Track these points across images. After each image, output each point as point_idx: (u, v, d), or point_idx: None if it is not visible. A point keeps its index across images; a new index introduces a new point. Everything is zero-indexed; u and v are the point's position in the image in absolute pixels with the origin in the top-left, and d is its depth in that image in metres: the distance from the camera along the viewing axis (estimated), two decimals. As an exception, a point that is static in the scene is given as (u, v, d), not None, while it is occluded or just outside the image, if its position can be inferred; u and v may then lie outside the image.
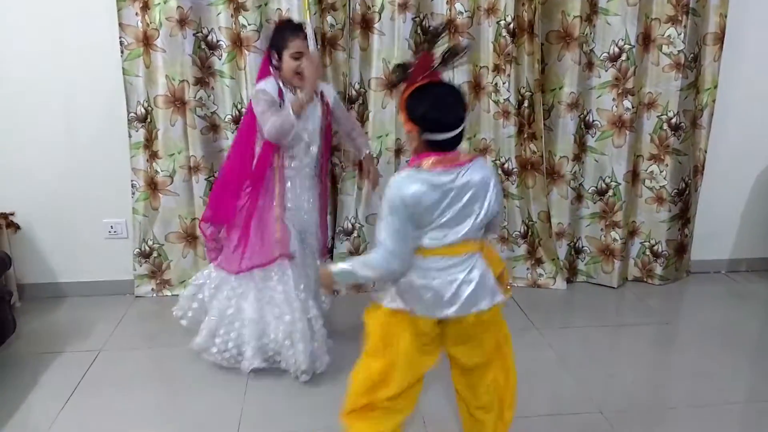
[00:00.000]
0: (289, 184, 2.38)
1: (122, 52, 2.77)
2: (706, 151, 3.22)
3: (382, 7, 2.85)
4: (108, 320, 2.84)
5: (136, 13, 2.74)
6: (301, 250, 2.42)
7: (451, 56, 1.61)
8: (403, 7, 2.85)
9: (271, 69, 2.33)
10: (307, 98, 2.24)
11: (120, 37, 2.75)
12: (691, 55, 3.01)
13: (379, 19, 2.86)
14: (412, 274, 1.57)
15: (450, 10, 2.93)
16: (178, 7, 2.70)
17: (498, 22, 2.93)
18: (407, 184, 1.49)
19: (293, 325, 2.27)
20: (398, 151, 3.06)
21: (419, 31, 2.93)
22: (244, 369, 2.31)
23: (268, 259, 2.29)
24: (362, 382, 1.64)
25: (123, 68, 2.79)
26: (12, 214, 2.95)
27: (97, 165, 2.96)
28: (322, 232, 2.59)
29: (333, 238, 3.15)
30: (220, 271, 2.41)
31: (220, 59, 2.85)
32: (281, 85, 2.31)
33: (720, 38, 3.03)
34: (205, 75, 2.85)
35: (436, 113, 1.50)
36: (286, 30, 2.29)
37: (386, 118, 3.00)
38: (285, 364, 2.32)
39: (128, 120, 2.85)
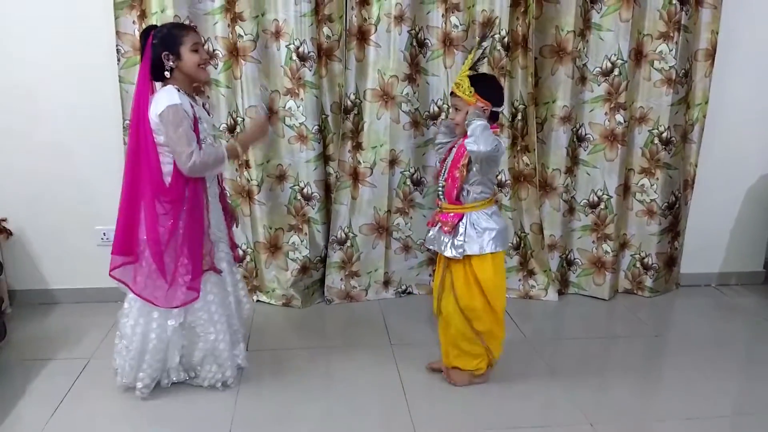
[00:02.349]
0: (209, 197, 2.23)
1: (119, 60, 2.78)
2: (696, 166, 3.26)
3: (378, 20, 2.87)
4: (99, 328, 2.83)
5: (133, 22, 2.75)
6: (228, 266, 2.35)
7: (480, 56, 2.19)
8: (399, 19, 2.88)
9: (167, 74, 2.10)
10: (244, 149, 2.24)
11: (117, 45, 2.76)
12: (683, 71, 3.05)
13: (375, 31, 2.89)
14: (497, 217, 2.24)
15: (445, 24, 2.96)
16: (175, 16, 2.71)
17: (493, 36, 2.96)
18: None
19: (216, 342, 2.25)
20: (392, 162, 3.07)
21: (414, 44, 2.96)
22: (164, 385, 2.30)
23: (198, 277, 2.15)
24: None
25: (119, 76, 2.79)
26: (4, 220, 2.94)
27: (91, 172, 2.96)
28: (231, 244, 2.42)
29: (326, 248, 3.16)
30: (144, 303, 2.17)
31: (216, 68, 2.86)
32: (179, 91, 2.08)
33: (711, 54, 3.07)
34: (202, 85, 2.86)
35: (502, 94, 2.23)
36: (175, 29, 2.14)
37: (381, 128, 3.02)
38: (202, 380, 2.31)
39: (124, 128, 2.86)
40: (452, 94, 2.18)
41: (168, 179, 2.09)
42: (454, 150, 2.22)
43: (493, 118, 2.12)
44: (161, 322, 2.19)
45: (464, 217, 2.20)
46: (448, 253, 2.21)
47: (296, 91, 2.91)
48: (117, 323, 2.30)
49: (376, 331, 2.88)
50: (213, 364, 2.29)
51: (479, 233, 2.18)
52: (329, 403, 2.29)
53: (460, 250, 2.19)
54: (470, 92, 2.07)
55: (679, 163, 3.21)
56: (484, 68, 2.77)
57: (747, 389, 2.49)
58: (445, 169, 2.23)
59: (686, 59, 3.05)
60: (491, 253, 2.20)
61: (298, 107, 2.93)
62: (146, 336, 2.20)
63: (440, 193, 2.26)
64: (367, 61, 2.94)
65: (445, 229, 2.22)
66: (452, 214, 2.22)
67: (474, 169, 2.15)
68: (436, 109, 3.07)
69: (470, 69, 2.13)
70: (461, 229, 2.19)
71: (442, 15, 2.95)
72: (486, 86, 2.11)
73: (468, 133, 2.05)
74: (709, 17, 3.02)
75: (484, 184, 2.19)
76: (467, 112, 2.11)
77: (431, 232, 2.33)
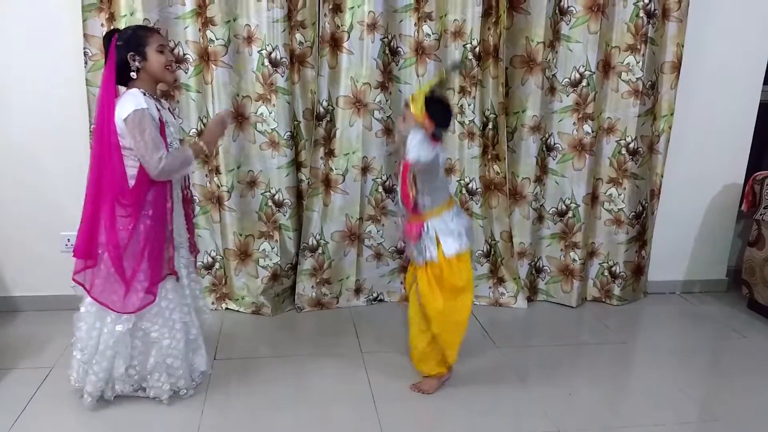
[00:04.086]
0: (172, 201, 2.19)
1: (86, 63, 2.73)
2: (662, 176, 3.33)
3: (351, 27, 2.88)
4: (62, 336, 2.74)
5: (102, 24, 2.71)
6: (186, 270, 2.31)
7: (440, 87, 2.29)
8: (372, 27, 2.88)
9: (132, 74, 2.07)
10: (212, 148, 2.25)
11: (84, 48, 2.71)
12: (649, 83, 3.12)
13: (348, 38, 2.89)
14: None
15: (418, 33, 2.98)
16: (145, 19, 2.67)
17: (464, 46, 2.99)
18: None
19: (170, 349, 2.21)
20: (365, 169, 3.07)
21: (387, 52, 2.97)
22: (108, 398, 2.22)
23: (156, 283, 2.13)
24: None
25: (86, 79, 2.74)
26: (-36, 225, 2.86)
27: (55, 177, 2.89)
28: (192, 248, 2.39)
29: (297, 255, 3.14)
30: (101, 307, 2.13)
31: (186, 73, 2.83)
32: (144, 94, 2.05)
33: (677, 67, 3.15)
34: (170, 88, 2.82)
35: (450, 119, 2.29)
36: (139, 30, 2.12)
37: (353, 135, 3.01)
38: (148, 390, 2.25)
39: (90, 132, 2.80)
40: (406, 104, 2.24)
41: (132, 182, 2.06)
42: (403, 160, 2.26)
43: (435, 137, 2.17)
44: (111, 328, 2.14)
45: (425, 225, 2.26)
46: (418, 260, 2.31)
47: (268, 96, 2.89)
48: (73, 327, 2.24)
49: (347, 339, 2.87)
50: (163, 373, 2.22)
51: (443, 236, 2.25)
52: (299, 412, 2.27)
53: (423, 256, 2.29)
54: (421, 109, 2.13)
55: (646, 173, 3.28)
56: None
57: (712, 396, 2.53)
58: (398, 185, 2.33)
59: (653, 71, 3.12)
60: (455, 254, 2.26)
61: (270, 113, 2.91)
62: (98, 340, 2.15)
63: (400, 206, 2.35)
64: (340, 68, 2.94)
65: (411, 239, 2.31)
66: (415, 224, 2.28)
67: (416, 177, 2.21)
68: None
69: (430, 90, 2.20)
70: (423, 236, 2.27)
71: (415, 24, 2.97)
72: (437, 108, 2.17)
73: (406, 144, 2.13)
74: (675, 30, 3.09)
75: (435, 191, 2.25)
76: (411, 125, 2.18)
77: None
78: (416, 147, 2.09)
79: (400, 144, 2.27)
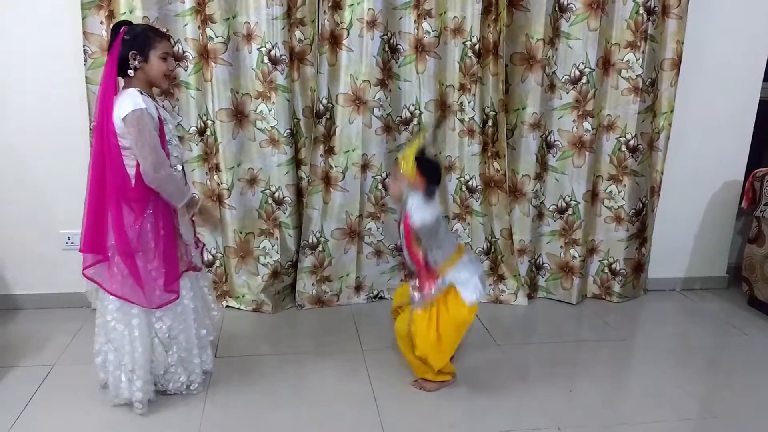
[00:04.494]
0: None
1: (86, 60, 2.73)
2: (662, 173, 3.33)
3: (351, 24, 2.87)
4: (63, 334, 2.77)
5: (101, 22, 2.71)
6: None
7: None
8: (372, 24, 2.88)
9: (130, 72, 2.06)
10: (197, 212, 2.24)
11: (84, 46, 2.71)
12: (649, 80, 3.12)
13: (348, 35, 2.89)
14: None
15: (417, 30, 2.97)
16: (144, 17, 2.67)
17: (464, 43, 2.99)
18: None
19: (189, 342, 2.24)
20: (364, 167, 3.07)
21: (387, 49, 2.97)
22: (152, 398, 2.23)
23: (176, 279, 2.14)
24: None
25: (86, 77, 2.74)
26: (-36, 223, 2.86)
27: (55, 175, 2.89)
28: (197, 244, 2.38)
29: (298, 252, 3.14)
30: (125, 303, 2.12)
31: (186, 70, 2.83)
32: (142, 94, 2.05)
33: (677, 64, 3.14)
34: (170, 85, 2.82)
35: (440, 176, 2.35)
36: (150, 31, 2.12)
37: (353, 133, 3.01)
38: (166, 383, 2.27)
39: (90, 130, 2.80)
40: (396, 164, 2.29)
41: (133, 181, 2.06)
42: (402, 223, 2.28)
43: (428, 194, 2.20)
44: (142, 329, 2.14)
45: (441, 279, 2.25)
46: (421, 306, 2.28)
47: (268, 94, 2.89)
48: (97, 336, 2.23)
49: (348, 337, 2.87)
50: (179, 367, 2.26)
51: (461, 286, 2.25)
52: (299, 409, 2.28)
53: (429, 303, 2.27)
54: (412, 169, 2.16)
55: (646, 170, 3.28)
56: (456, 74, 2.81)
57: (712, 393, 2.54)
58: (403, 246, 2.33)
59: (653, 68, 3.12)
60: (474, 302, 2.27)
61: (269, 111, 2.91)
62: (133, 346, 2.14)
63: (412, 268, 2.36)
64: (340, 66, 2.94)
65: (425, 292, 2.29)
66: (430, 281, 2.27)
67: (422, 239, 2.22)
68: (408, 114, 3.08)
69: (419, 150, 2.23)
70: (438, 288, 2.26)
71: (414, 21, 2.97)
72: (427, 167, 2.21)
73: (407, 209, 2.16)
74: (675, 27, 3.09)
75: (443, 245, 2.25)
76: (403, 185, 2.22)
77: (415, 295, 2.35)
78: (419, 211, 2.11)
79: (396, 204, 2.27)
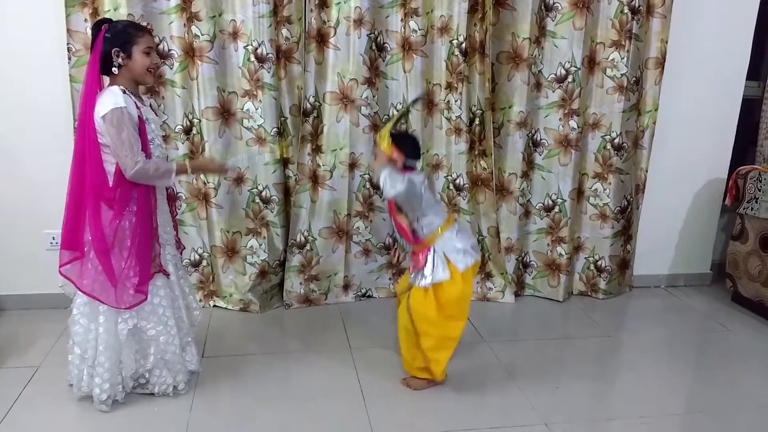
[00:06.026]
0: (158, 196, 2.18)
1: (70, 58, 2.70)
2: (647, 171, 3.36)
3: (338, 23, 2.87)
4: (48, 335, 2.74)
5: (85, 20, 2.68)
6: (174, 267, 2.30)
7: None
8: (359, 23, 2.88)
9: (114, 70, 2.05)
10: (195, 172, 2.26)
11: (68, 44, 2.68)
12: (634, 79, 3.14)
13: (335, 34, 2.89)
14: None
15: (404, 28, 2.98)
16: (129, 14, 2.65)
17: (451, 41, 2.99)
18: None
19: (167, 345, 2.21)
20: (352, 165, 3.07)
21: (374, 47, 2.97)
22: (120, 400, 2.22)
23: (147, 281, 2.12)
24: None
25: (70, 75, 2.72)
26: (-54, 224, 2.83)
27: (39, 174, 2.86)
28: (177, 245, 2.39)
29: (285, 251, 3.13)
30: (93, 307, 2.12)
31: (171, 68, 2.81)
32: (124, 92, 2.04)
33: (661, 63, 3.17)
34: (155, 83, 2.80)
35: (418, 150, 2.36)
36: (131, 27, 2.09)
37: (340, 131, 3.01)
38: (152, 387, 2.26)
39: (74, 128, 2.77)
40: (375, 143, 2.32)
41: (111, 179, 2.05)
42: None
43: (408, 168, 2.23)
44: (108, 327, 2.12)
45: (432, 249, 2.26)
46: (423, 283, 2.26)
47: (254, 92, 2.88)
48: (69, 330, 2.23)
49: (336, 336, 2.87)
50: (164, 369, 2.24)
51: (452, 254, 2.25)
52: (287, 408, 2.27)
53: (428, 280, 2.25)
54: (389, 145, 2.20)
55: (631, 168, 3.31)
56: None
57: (697, 388, 2.57)
58: (390, 218, 2.37)
59: (637, 67, 3.14)
60: (466, 268, 2.26)
61: (256, 109, 2.90)
62: (97, 342, 2.14)
63: (400, 240, 2.41)
64: (327, 64, 2.93)
65: (420, 266, 2.29)
66: (422, 252, 2.28)
67: (404, 209, 2.25)
68: (395, 112, 3.09)
69: (393, 127, 2.29)
70: (429, 260, 2.26)
71: (401, 19, 2.97)
72: (404, 141, 2.25)
73: (380, 182, 2.18)
74: (659, 26, 3.12)
75: (428, 214, 2.26)
76: (383, 161, 2.24)
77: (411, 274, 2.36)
78: (387, 182, 2.14)
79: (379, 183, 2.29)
